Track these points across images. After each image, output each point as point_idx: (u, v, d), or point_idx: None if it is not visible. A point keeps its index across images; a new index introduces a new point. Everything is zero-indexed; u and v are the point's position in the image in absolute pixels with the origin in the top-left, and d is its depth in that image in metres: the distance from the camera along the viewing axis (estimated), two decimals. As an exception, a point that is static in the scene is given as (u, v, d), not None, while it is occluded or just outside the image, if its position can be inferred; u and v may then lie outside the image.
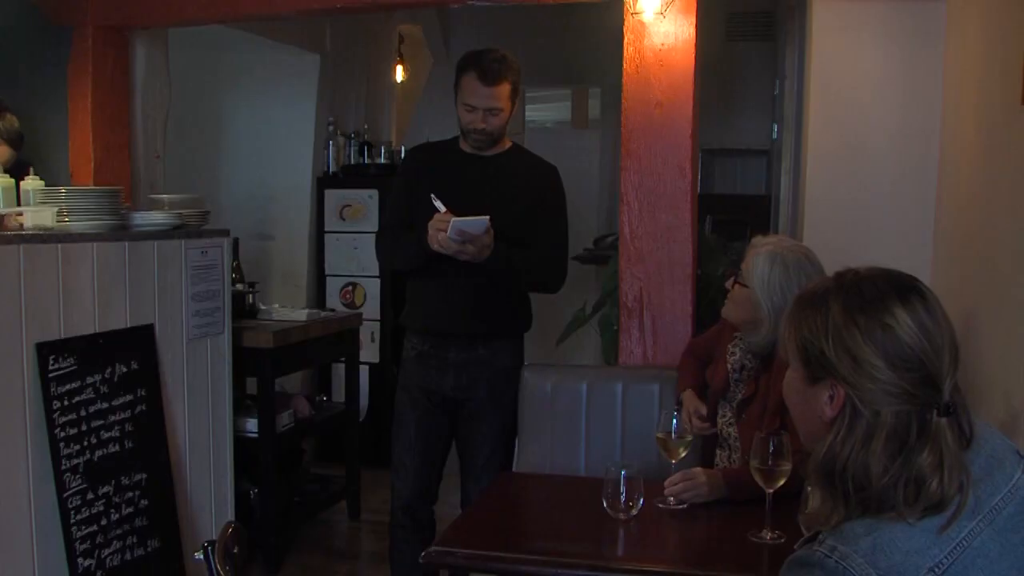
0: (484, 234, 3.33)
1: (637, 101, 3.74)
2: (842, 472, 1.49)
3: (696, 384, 3.22)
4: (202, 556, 1.74)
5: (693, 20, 3.67)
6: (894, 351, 1.48)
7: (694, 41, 3.68)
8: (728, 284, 3.02)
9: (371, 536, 5.42)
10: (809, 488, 1.70)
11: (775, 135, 6.54)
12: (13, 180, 3.61)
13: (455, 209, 3.37)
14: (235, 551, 1.76)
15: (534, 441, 3.58)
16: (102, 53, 4.66)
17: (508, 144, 3.70)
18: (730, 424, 3.00)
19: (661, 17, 3.66)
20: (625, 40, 3.74)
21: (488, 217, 3.32)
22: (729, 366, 3.05)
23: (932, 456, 1.45)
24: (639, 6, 3.68)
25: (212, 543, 1.74)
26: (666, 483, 2.72)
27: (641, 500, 2.63)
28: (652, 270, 3.76)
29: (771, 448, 2.45)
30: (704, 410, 3.06)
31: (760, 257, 2.89)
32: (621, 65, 3.77)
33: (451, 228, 3.28)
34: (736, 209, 7.03)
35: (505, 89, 3.50)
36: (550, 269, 3.68)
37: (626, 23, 3.73)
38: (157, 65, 5.01)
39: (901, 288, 1.54)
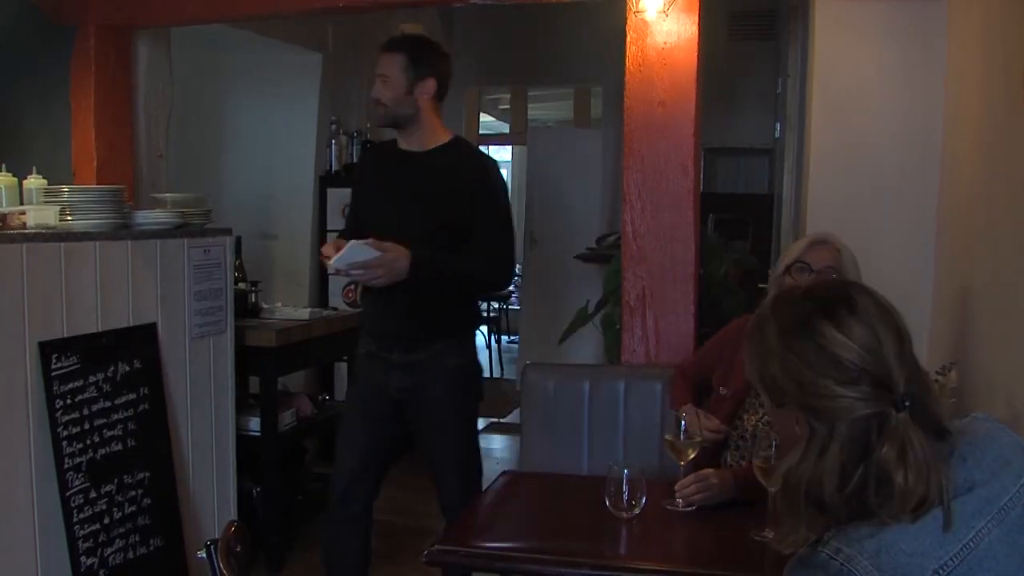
0: (378, 260, 3.21)
1: (639, 100, 3.74)
2: (797, 489, 1.50)
3: (691, 401, 3.16)
4: (205, 555, 1.74)
5: (696, 19, 3.67)
6: (835, 369, 1.48)
7: (697, 40, 3.68)
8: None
9: (374, 535, 5.41)
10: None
11: (778, 134, 6.54)
12: (16, 179, 3.61)
13: (386, 211, 3.52)
14: (238, 550, 1.77)
15: (536, 440, 3.58)
16: (104, 53, 4.66)
17: (446, 138, 3.53)
18: (763, 422, 2.99)
19: (664, 16, 3.66)
20: (627, 39, 3.74)
21: (368, 242, 3.21)
22: None
23: (892, 450, 1.44)
24: (641, 5, 3.68)
25: (215, 542, 1.74)
26: (677, 486, 2.72)
27: (644, 499, 2.63)
28: (655, 269, 3.76)
29: (773, 446, 2.45)
30: (715, 421, 3.03)
31: (845, 250, 3.05)
32: (623, 64, 3.77)
33: (336, 263, 3.23)
34: (738, 208, 7.04)
35: (396, 58, 3.40)
36: (489, 269, 3.51)
37: (629, 22, 3.73)
38: (159, 64, 5.01)
39: (826, 303, 1.54)
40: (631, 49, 3.73)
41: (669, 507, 2.71)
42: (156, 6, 4.63)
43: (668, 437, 2.77)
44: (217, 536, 1.75)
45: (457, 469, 3.63)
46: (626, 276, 3.82)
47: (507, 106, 11.82)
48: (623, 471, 2.64)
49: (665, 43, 3.68)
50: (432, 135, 3.50)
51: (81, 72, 4.63)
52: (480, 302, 3.84)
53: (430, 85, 3.42)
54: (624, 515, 2.63)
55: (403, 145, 3.56)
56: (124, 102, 4.76)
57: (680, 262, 3.75)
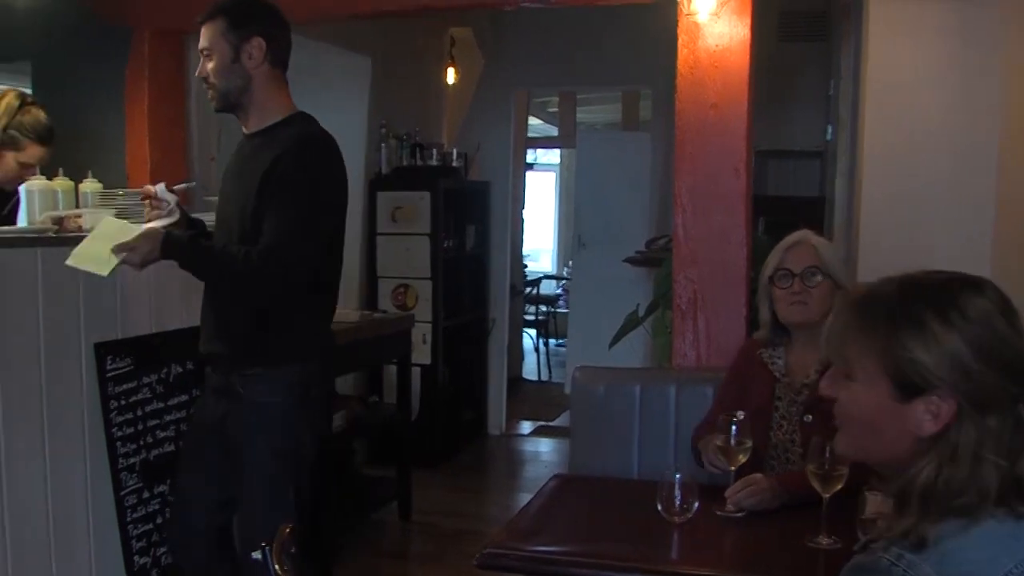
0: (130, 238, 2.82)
1: (691, 103, 3.71)
2: (935, 489, 1.42)
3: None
4: (260, 556, 1.75)
5: (748, 20, 3.64)
6: (991, 348, 1.44)
7: (749, 42, 3.65)
8: (794, 289, 2.99)
9: (421, 537, 5.45)
10: (868, 493, 1.67)
11: (829, 136, 6.48)
12: (72, 183, 3.64)
13: (219, 207, 3.14)
14: (292, 551, 1.77)
15: (586, 444, 3.57)
16: (158, 56, 4.70)
17: (284, 115, 3.01)
18: (791, 434, 2.96)
19: (715, 18, 3.64)
20: (679, 41, 3.71)
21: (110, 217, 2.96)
22: (779, 375, 3.03)
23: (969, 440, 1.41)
24: (693, 7, 3.66)
25: (270, 543, 1.75)
26: (728, 492, 2.70)
27: (696, 503, 2.61)
28: (706, 272, 3.74)
29: (827, 452, 2.43)
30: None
31: (822, 245, 3.04)
32: (673, 66, 3.75)
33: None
34: (789, 211, 6.96)
35: (215, 25, 2.94)
36: (238, 275, 2.84)
37: (680, 24, 3.71)
38: (212, 68, 5.04)
39: (968, 281, 1.52)
40: (682, 52, 3.71)
41: (720, 513, 2.69)
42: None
43: (718, 442, 2.74)
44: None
45: (261, 512, 3.00)
46: (677, 279, 3.80)
47: (555, 109, 11.80)
48: (675, 475, 2.63)
49: (717, 45, 3.66)
50: (266, 111, 2.99)
51: (135, 76, 4.67)
52: (323, 324, 3.11)
53: (257, 45, 2.90)
54: (676, 519, 2.61)
55: (244, 129, 3.08)
56: (177, 106, 4.80)
57: (732, 265, 3.72)
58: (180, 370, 3.64)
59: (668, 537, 2.62)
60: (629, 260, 6.89)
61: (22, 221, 3.53)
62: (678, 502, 2.61)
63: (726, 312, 3.74)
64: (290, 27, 3.06)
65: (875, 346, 1.49)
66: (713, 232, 3.73)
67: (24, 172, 3.68)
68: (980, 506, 1.40)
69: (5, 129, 3.68)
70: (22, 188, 3.51)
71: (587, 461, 3.50)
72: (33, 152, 3.74)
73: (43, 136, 3.76)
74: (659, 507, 2.62)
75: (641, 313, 4.80)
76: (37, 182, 3.50)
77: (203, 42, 2.96)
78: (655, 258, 6.10)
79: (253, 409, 2.95)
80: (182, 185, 3.27)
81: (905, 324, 1.47)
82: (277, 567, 1.74)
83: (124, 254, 2.80)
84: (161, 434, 3.56)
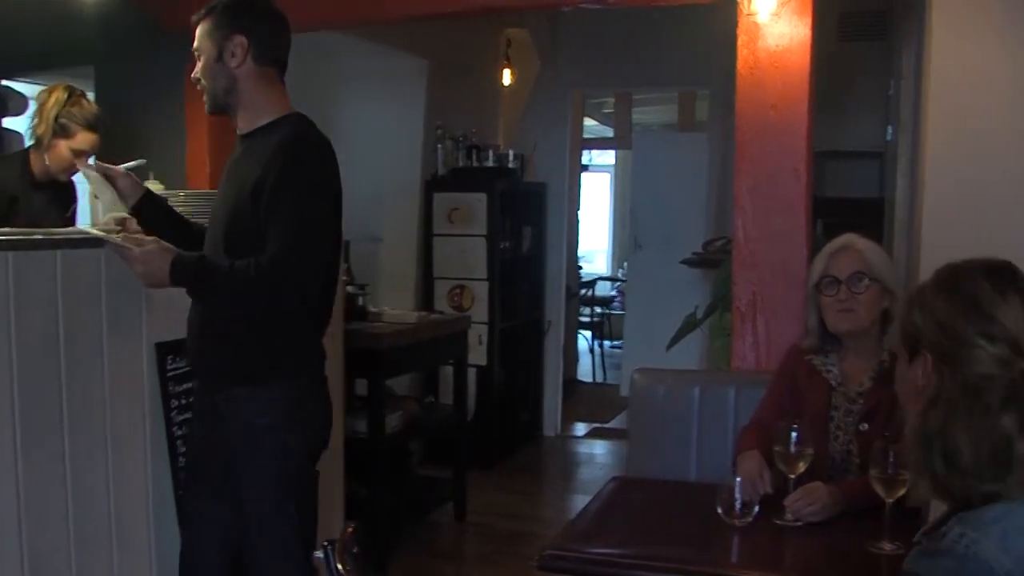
0: (128, 258, 2.72)
1: (751, 104, 3.68)
2: (926, 439, 1.54)
3: (757, 448, 2.89)
4: (322, 555, 1.75)
5: (809, 20, 3.61)
6: (981, 321, 1.54)
7: (810, 42, 3.61)
8: (840, 297, 2.94)
9: (477, 538, 5.45)
10: None
11: (889, 136, 6.40)
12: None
13: (213, 213, 2.97)
14: (355, 551, 1.78)
15: (644, 446, 3.55)
16: (218, 60, 4.73)
17: (275, 116, 2.84)
18: (847, 444, 2.92)
19: (776, 18, 3.61)
20: (738, 42, 3.68)
21: (101, 234, 2.81)
22: (835, 383, 2.99)
23: (1015, 418, 1.47)
24: (753, 7, 3.63)
25: (333, 543, 1.75)
26: (787, 500, 2.66)
27: (756, 508, 2.59)
28: (766, 274, 3.70)
29: (891, 457, 2.39)
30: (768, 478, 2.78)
31: (869, 249, 2.98)
32: (731, 66, 3.72)
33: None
34: (847, 213, 6.89)
35: (203, 26, 2.84)
36: (247, 287, 2.66)
37: (740, 24, 3.68)
38: (270, 70, 5.08)
39: (991, 268, 1.61)
40: (742, 52, 3.68)
41: (779, 522, 2.65)
42: (267, 14, 4.70)
43: (777, 448, 2.71)
44: (327, 536, 1.76)
45: (263, 534, 2.85)
46: (737, 281, 3.77)
47: (611, 110, 11.77)
48: (736, 479, 2.61)
49: (777, 45, 3.62)
50: (255, 112, 2.84)
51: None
52: (312, 337, 2.91)
53: (239, 43, 2.75)
54: (736, 523, 2.59)
55: (236, 130, 2.96)
56: (236, 108, 4.83)
57: (792, 267, 3.68)
58: (239, 370, 3.65)
59: (728, 541, 2.61)
60: (686, 262, 6.85)
61: (83, 221, 3.57)
62: (738, 506, 2.59)
63: (786, 315, 3.70)
64: (283, 24, 2.87)
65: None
66: (773, 234, 3.70)
67: (76, 160, 3.74)
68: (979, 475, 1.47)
69: (56, 119, 3.76)
70: (86, 188, 3.56)
71: (645, 463, 3.48)
72: (83, 139, 3.81)
73: (92, 123, 3.84)
74: (719, 511, 2.61)
75: (699, 315, 4.76)
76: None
77: (195, 43, 2.90)
78: (712, 260, 6.07)
79: (242, 431, 2.79)
80: (132, 164, 3.30)
81: (915, 292, 1.69)
82: (339, 567, 1.74)
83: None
84: (220, 433, 3.57)
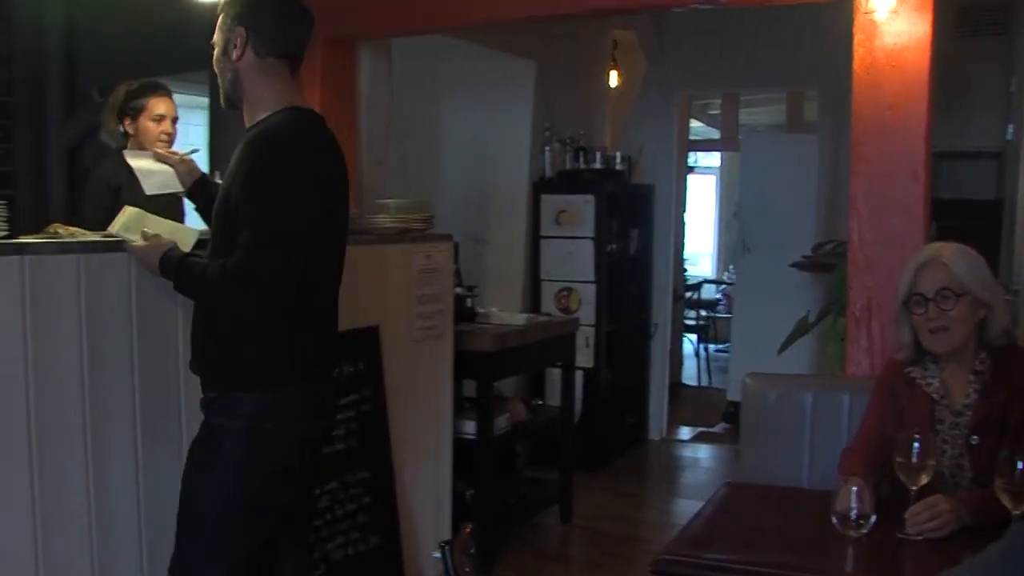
0: (130, 252, 2.76)
1: (868, 104, 3.61)
2: None
3: (861, 474, 2.75)
4: (440, 555, 1.76)
5: (929, 17, 3.51)
6: None
7: (930, 39, 3.53)
8: (930, 315, 2.84)
9: (582, 541, 5.44)
10: None
11: (1009, 135, 6.24)
12: None
13: None
14: (472, 551, 1.78)
15: (755, 451, 3.51)
16: (330, 64, 4.81)
17: (265, 113, 2.68)
18: (957, 458, 2.84)
19: (894, 15, 3.53)
20: (855, 40, 3.61)
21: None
22: (937, 397, 2.90)
23: None
24: (871, 4, 3.55)
25: (450, 542, 1.76)
26: (907, 513, 2.58)
27: (873, 518, 2.53)
28: (882, 278, 3.62)
29: (1019, 466, 2.32)
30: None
31: (956, 260, 2.81)
32: (842, 66, 3.65)
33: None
34: (963, 215, 6.73)
35: (218, 21, 2.75)
36: (211, 290, 2.60)
37: (856, 22, 3.61)
38: (381, 74, 5.15)
39: None
40: (859, 51, 3.61)
41: (899, 535, 2.58)
42: (379, 18, 4.76)
43: (899, 459, 2.64)
44: (434, 537, 1.77)
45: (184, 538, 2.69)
46: (852, 286, 3.70)
47: (717, 111, 11.66)
48: (852, 488, 2.55)
49: (895, 43, 3.55)
50: (256, 106, 2.72)
51: (308, 82, 4.77)
52: (288, 343, 2.67)
53: (239, 35, 2.66)
54: (852, 534, 2.53)
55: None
56: (348, 111, 4.90)
57: (910, 272, 3.61)
58: (351, 370, 3.71)
59: (843, 551, 2.56)
60: (795, 265, 6.76)
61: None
62: (854, 516, 2.53)
63: (903, 320, 3.62)
64: (290, 15, 2.75)
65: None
66: (889, 237, 3.62)
67: (162, 126, 3.93)
68: None
69: (123, 108, 3.95)
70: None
71: (756, 468, 3.44)
72: (157, 102, 3.97)
73: (155, 86, 4.01)
74: (834, 520, 2.55)
75: (811, 319, 4.68)
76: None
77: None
78: (823, 263, 5.98)
79: (205, 434, 2.70)
80: (187, 150, 3.42)
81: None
82: (456, 567, 1.75)
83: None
84: (332, 432, 3.62)
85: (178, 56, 4.93)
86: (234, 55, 2.67)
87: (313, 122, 2.71)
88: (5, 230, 2.73)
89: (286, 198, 2.54)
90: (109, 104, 4.00)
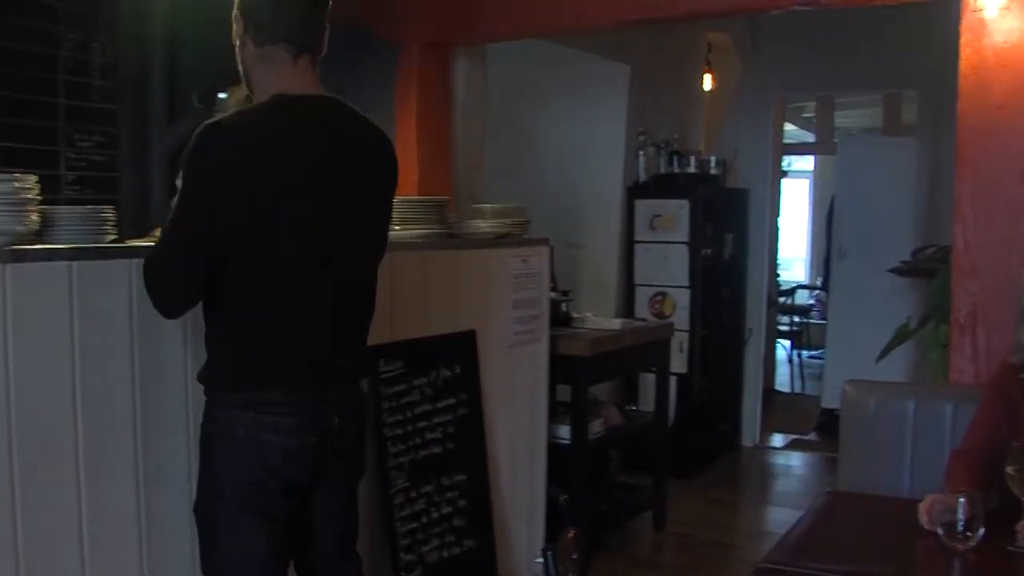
0: None
1: (974, 104, 3.53)
2: None
3: (972, 485, 2.66)
4: (542, 560, 1.76)
5: (1041, 13, 3.43)
6: None
7: (1041, 38, 3.44)
8: None
9: (676, 548, 5.40)
10: None
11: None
12: None
13: None
14: (574, 557, 1.78)
15: (855, 459, 3.45)
16: (426, 69, 4.86)
17: (260, 103, 2.54)
18: None
19: (1005, 12, 3.44)
20: (962, 39, 3.53)
21: None
22: None
23: None
24: (980, 2, 3.47)
25: (552, 547, 1.76)
26: (1019, 526, 2.52)
27: (981, 531, 2.47)
28: (987, 284, 3.54)
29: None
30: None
31: None
32: (944, 66, 3.59)
33: None
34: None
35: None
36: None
37: (963, 21, 3.53)
38: (476, 79, 5.17)
39: None
40: (965, 50, 3.53)
41: (1011, 548, 2.51)
42: (475, 24, 4.79)
43: (1010, 470, 2.57)
44: (527, 542, 1.77)
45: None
46: (955, 292, 3.62)
47: (811, 114, 11.51)
48: (959, 499, 2.49)
49: (1005, 42, 3.46)
50: (256, 97, 2.60)
51: (405, 88, 4.84)
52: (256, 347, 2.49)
53: (239, 25, 2.54)
54: (959, 546, 2.47)
55: None
56: (444, 116, 4.94)
57: (1015, 277, 3.51)
58: (448, 373, 3.73)
59: (949, 564, 2.50)
60: (894, 270, 6.64)
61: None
62: (961, 528, 2.47)
63: (1008, 326, 3.51)
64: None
65: None
66: (996, 241, 3.53)
67: None
68: None
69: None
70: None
71: (855, 477, 3.39)
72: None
73: None
74: (939, 532, 2.50)
75: (912, 326, 4.60)
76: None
77: None
78: (923, 268, 5.87)
79: (199, 438, 2.60)
80: None
81: None
82: (559, 572, 1.75)
83: None
84: (429, 436, 3.65)
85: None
86: (238, 46, 2.56)
87: (285, 108, 2.46)
88: (113, 234, 2.79)
89: (192, 195, 2.39)
90: (231, 105, 4.02)
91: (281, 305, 2.46)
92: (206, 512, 2.53)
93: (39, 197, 2.53)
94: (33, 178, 2.51)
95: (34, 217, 2.49)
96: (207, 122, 2.39)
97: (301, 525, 2.62)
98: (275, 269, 2.43)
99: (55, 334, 2.43)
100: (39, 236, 2.55)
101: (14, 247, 2.37)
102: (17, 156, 4.82)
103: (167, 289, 2.44)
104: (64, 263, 2.44)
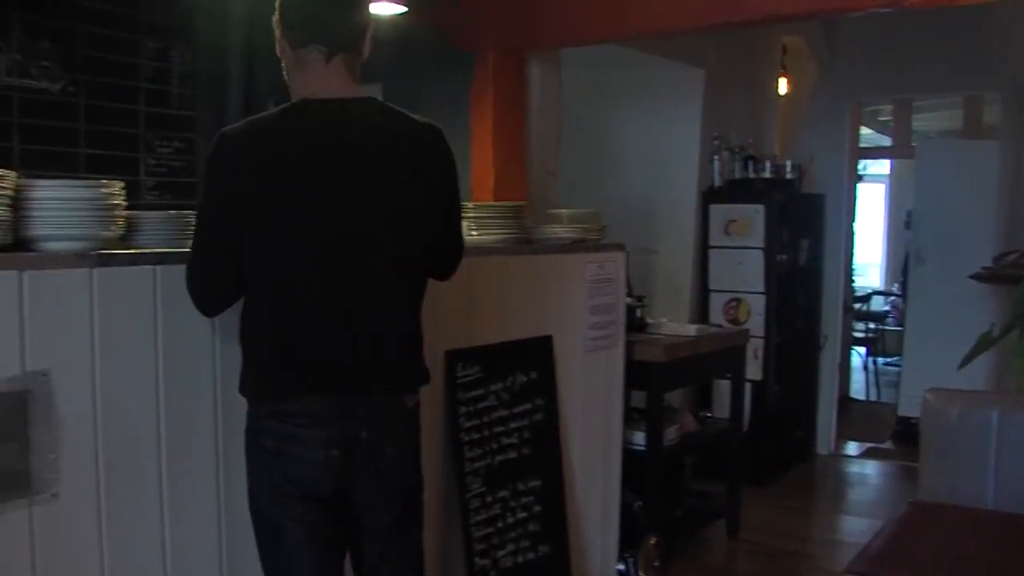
0: None
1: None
2: None
3: None
4: (623, 567, 1.76)
5: None
6: None
7: None
8: None
9: (750, 556, 5.36)
10: None
11: None
12: None
13: None
14: (656, 564, 1.78)
15: (936, 469, 3.41)
16: (501, 75, 4.87)
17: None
18: None
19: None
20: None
21: None
22: None
23: None
24: (1067, 5, 3.41)
25: (634, 554, 1.76)
26: None
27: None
28: (1076, 291, 3.48)
29: None
30: None
31: None
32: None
33: None
34: None
35: None
36: None
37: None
38: (550, 84, 5.18)
39: None
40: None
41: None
42: (549, 30, 4.80)
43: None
44: (600, 548, 1.77)
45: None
46: (1042, 298, 3.56)
47: (887, 117, 11.35)
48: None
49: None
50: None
51: (480, 94, 4.86)
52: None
53: (277, 30, 2.53)
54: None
55: None
56: (518, 122, 4.95)
57: (1104, 284, 3.46)
58: (524, 379, 3.73)
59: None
60: (975, 276, 6.52)
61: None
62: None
63: (1097, 335, 3.47)
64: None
65: None
66: (1084, 248, 3.47)
67: None
68: None
69: None
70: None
71: (936, 487, 3.35)
72: None
73: None
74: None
75: (995, 333, 4.51)
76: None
77: None
78: (1007, 275, 5.77)
79: None
80: None
81: None
82: (643, 581, 1.74)
83: None
84: (505, 441, 3.65)
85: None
86: (278, 51, 2.54)
87: (301, 112, 2.45)
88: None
89: (209, 199, 2.42)
90: None
91: (292, 311, 2.43)
92: (252, 518, 2.53)
93: (125, 203, 2.57)
94: (119, 184, 2.55)
95: (120, 222, 2.54)
96: (224, 131, 2.39)
97: (350, 539, 2.58)
98: (284, 273, 2.41)
99: (140, 335, 2.48)
100: (124, 240, 2.60)
101: (101, 251, 2.42)
102: (100, 162, 4.94)
103: (197, 288, 2.45)
104: (149, 267, 2.49)
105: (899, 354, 8.72)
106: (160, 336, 2.51)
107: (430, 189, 2.57)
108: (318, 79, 2.46)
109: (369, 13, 2.55)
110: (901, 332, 8.65)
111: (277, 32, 2.50)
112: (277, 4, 2.49)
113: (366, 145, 2.46)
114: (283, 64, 2.52)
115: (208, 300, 2.47)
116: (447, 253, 2.75)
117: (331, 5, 2.49)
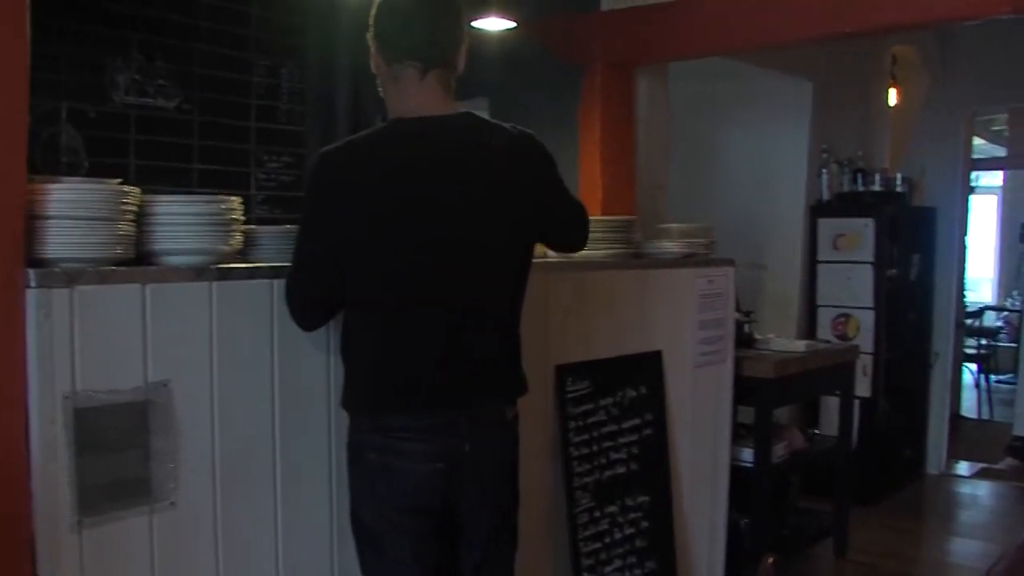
0: None
1: None
2: None
3: None
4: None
5: None
6: None
7: None
8: None
9: (857, 576, 5.27)
10: None
11: None
12: None
13: None
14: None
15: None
16: (609, 89, 4.85)
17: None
18: None
19: None
20: None
21: None
22: None
23: None
24: None
25: (750, 573, 1.74)
26: None
27: None
28: None
29: None
30: None
31: None
32: None
33: None
34: None
35: None
36: None
37: None
38: (658, 98, 5.15)
39: None
40: None
41: None
42: (657, 43, 4.78)
43: None
44: (706, 565, 1.75)
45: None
46: None
47: (1001, 127, 11.07)
48: None
49: None
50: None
51: (588, 108, 4.85)
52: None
53: (372, 46, 2.53)
54: None
55: None
56: (626, 135, 4.93)
57: None
58: (634, 394, 3.72)
59: None
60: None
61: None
62: None
63: None
64: (408, 13, 2.49)
65: None
66: None
67: None
68: None
69: None
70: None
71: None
72: None
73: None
74: None
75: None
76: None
77: None
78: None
79: None
80: None
81: None
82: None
83: None
84: (614, 456, 3.65)
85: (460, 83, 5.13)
86: (372, 66, 2.54)
87: (395, 131, 2.47)
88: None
89: (308, 217, 2.45)
90: None
91: (392, 325, 2.45)
92: (354, 531, 2.55)
93: (243, 217, 2.63)
94: (238, 199, 2.60)
95: (238, 237, 2.59)
96: (320, 153, 2.43)
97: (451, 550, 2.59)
98: (383, 289, 2.43)
99: (256, 347, 2.54)
100: (241, 255, 2.66)
101: (220, 266, 2.48)
102: (213, 177, 5.06)
103: (295, 303, 2.50)
104: (266, 281, 2.55)
105: (1012, 371, 8.49)
106: (276, 348, 2.57)
107: (532, 191, 2.56)
108: (413, 94, 2.47)
109: (464, 27, 2.54)
110: (1015, 348, 8.43)
111: (372, 48, 2.51)
112: (371, 20, 2.49)
113: (463, 160, 2.46)
114: (378, 80, 2.53)
115: (305, 315, 2.52)
116: (572, 226, 2.81)
117: (425, 21, 2.46)
